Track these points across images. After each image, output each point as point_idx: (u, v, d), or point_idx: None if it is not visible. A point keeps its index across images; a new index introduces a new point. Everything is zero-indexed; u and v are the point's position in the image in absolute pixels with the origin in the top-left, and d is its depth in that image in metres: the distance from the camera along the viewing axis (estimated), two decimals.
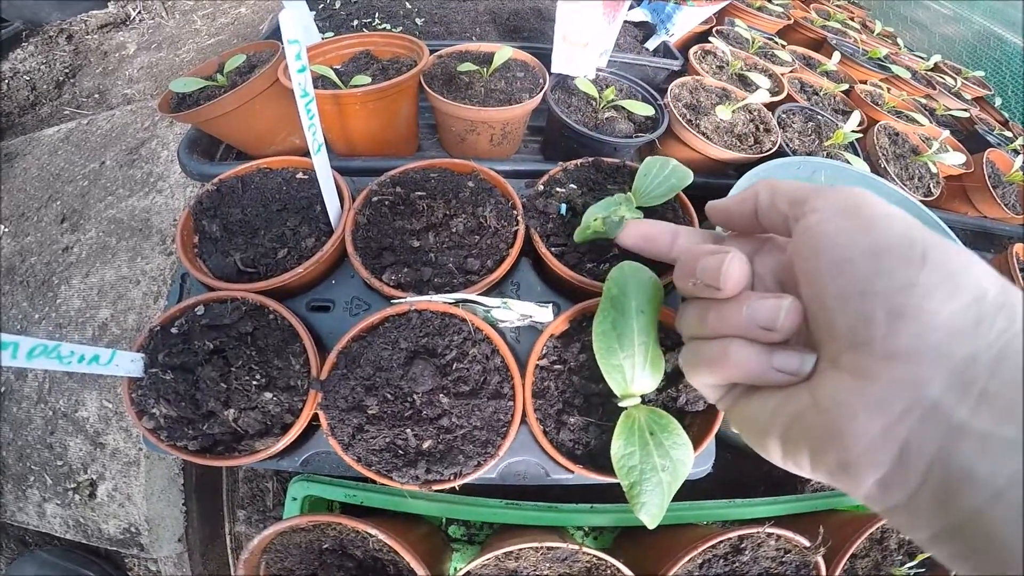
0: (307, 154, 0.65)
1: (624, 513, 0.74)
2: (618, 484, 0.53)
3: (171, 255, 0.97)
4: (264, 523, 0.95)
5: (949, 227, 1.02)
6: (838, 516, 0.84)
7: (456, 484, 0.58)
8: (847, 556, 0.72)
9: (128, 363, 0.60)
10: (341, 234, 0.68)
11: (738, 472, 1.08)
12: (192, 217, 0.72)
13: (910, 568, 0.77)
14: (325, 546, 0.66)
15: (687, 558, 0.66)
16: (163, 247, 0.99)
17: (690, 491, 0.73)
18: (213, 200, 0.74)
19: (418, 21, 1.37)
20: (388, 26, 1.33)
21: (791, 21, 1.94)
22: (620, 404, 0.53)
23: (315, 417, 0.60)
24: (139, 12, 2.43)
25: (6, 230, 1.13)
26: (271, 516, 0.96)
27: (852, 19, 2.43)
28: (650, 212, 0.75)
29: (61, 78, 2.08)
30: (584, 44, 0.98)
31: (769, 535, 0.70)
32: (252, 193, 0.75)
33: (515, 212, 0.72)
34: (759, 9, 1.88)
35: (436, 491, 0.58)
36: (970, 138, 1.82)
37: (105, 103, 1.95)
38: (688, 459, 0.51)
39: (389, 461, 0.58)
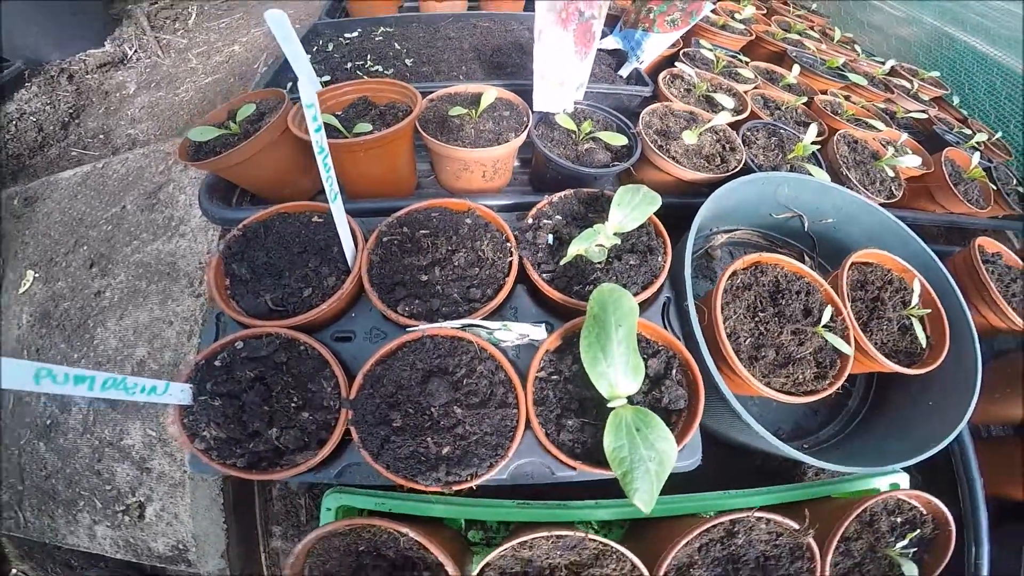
0: (316, 197, 0.74)
1: (626, 507, 0.80)
2: (617, 479, 0.61)
3: (199, 297, 1.05)
4: (299, 537, 1.03)
5: (919, 226, 1.12)
6: (832, 502, 0.88)
7: (473, 484, 0.67)
8: (837, 538, 0.76)
9: (179, 393, 0.69)
10: (358, 272, 0.78)
11: (733, 468, 1.15)
12: (223, 261, 0.81)
13: (903, 548, 0.80)
14: (361, 548, 0.72)
15: (684, 541, 0.71)
16: (191, 289, 1.07)
17: (687, 486, 0.81)
18: (240, 245, 0.83)
19: (408, 62, 1.47)
20: (380, 67, 1.43)
21: (753, 37, 2.07)
22: (609, 405, 0.63)
23: (347, 432, 0.69)
24: (135, 51, 2.50)
25: (37, 275, 1.22)
26: (305, 530, 1.03)
27: (812, 28, 2.57)
28: (626, 236, 0.86)
29: (66, 119, 2.14)
30: (560, 83, 1.09)
31: (759, 519, 0.75)
32: (274, 237, 0.84)
33: (509, 244, 0.82)
34: (722, 27, 2.00)
35: (455, 492, 0.67)
36: (930, 139, 1.92)
37: (110, 144, 2.03)
38: (672, 450, 0.61)
39: (414, 467, 0.67)
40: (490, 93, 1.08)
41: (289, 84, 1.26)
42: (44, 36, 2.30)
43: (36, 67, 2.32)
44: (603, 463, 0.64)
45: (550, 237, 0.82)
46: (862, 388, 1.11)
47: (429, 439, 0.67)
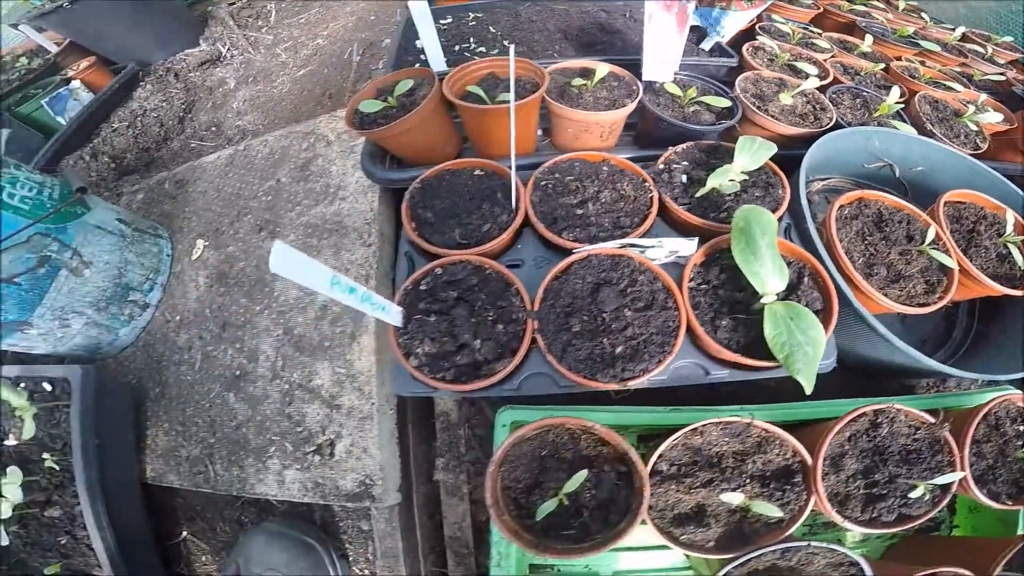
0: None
1: (773, 411, 0.89)
2: (763, 388, 0.71)
3: (370, 247, 1.21)
4: (460, 467, 1.13)
5: (1009, 176, 1.18)
6: (954, 412, 0.92)
7: (644, 379, 0.78)
8: (970, 435, 0.83)
9: (396, 314, 0.85)
10: (524, 210, 0.93)
11: (858, 388, 1.21)
12: (409, 208, 0.98)
13: None
14: (543, 453, 0.79)
15: (837, 429, 0.80)
16: (362, 241, 1.23)
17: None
18: (420, 195, 1.00)
19: (505, 43, 1.62)
20: (484, 49, 1.59)
21: (820, 10, 2.13)
22: (761, 302, 0.76)
23: (532, 342, 0.82)
24: (228, 49, 2.74)
25: (206, 244, 1.43)
26: (465, 460, 1.13)
27: None
28: (749, 175, 0.99)
29: (181, 114, 2.39)
30: (665, 57, 1.22)
31: (898, 411, 0.84)
32: (446, 188, 1.01)
33: (646, 184, 0.96)
34: (790, 1, 2.08)
35: (627, 389, 0.78)
36: (1010, 99, 1.93)
37: (223, 135, 2.26)
38: (822, 336, 0.73)
39: (592, 366, 0.80)
40: (603, 68, 1.22)
41: (417, 64, 1.42)
42: (148, 38, 2.57)
43: (146, 68, 2.60)
44: (758, 356, 0.77)
45: (684, 177, 0.96)
46: (965, 319, 1.19)
47: (604, 340, 0.81)
